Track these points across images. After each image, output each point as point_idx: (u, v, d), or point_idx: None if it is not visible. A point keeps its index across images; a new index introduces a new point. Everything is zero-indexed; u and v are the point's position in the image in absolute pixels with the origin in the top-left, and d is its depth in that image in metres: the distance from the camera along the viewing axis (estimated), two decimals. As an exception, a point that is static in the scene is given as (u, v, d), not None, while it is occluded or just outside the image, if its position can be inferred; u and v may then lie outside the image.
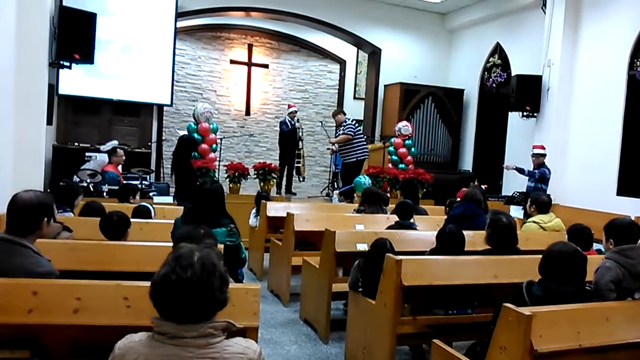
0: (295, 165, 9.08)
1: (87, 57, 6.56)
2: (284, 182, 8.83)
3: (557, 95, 8.06)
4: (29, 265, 2.36)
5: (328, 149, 9.01)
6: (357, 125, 8.71)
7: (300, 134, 9.09)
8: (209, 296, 1.54)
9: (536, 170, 7.08)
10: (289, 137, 8.83)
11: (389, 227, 4.64)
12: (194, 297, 1.52)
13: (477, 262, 3.43)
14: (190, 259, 1.55)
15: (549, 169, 7.12)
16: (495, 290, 3.37)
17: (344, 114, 8.84)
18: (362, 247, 4.09)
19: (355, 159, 8.41)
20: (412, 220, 4.75)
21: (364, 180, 7.48)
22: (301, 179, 9.40)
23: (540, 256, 2.70)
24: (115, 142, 7.34)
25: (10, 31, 4.99)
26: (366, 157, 8.60)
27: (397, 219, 4.74)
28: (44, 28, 5.78)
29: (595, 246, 4.38)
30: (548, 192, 6.76)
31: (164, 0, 8.85)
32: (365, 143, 8.70)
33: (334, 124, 9.15)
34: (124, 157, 6.85)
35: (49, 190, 5.48)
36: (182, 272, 1.52)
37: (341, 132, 8.59)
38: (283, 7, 9.66)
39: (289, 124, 8.82)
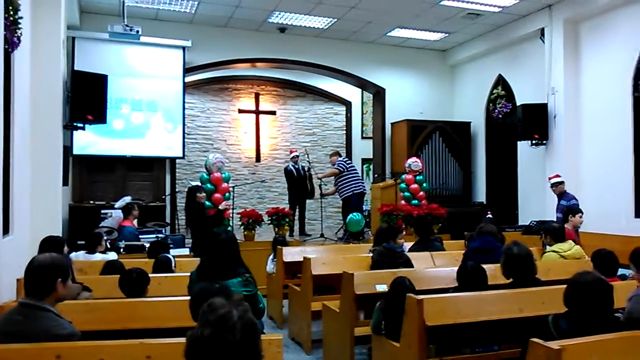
0: (323, 194, 9.03)
1: (100, 117, 6.73)
2: (296, 225, 8.83)
3: (564, 121, 8.08)
4: (51, 328, 2.37)
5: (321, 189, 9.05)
6: (348, 160, 8.96)
7: (308, 170, 9.13)
8: (254, 357, 1.54)
9: (571, 202, 6.78)
10: (299, 182, 8.92)
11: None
12: (239, 358, 1.51)
13: (500, 296, 3.36)
14: (232, 319, 1.53)
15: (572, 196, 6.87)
16: (520, 324, 3.29)
17: (340, 155, 9.20)
18: (382, 287, 4.02)
19: (351, 193, 8.54)
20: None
21: (355, 217, 7.45)
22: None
23: (564, 286, 2.65)
24: (128, 199, 7.42)
25: (25, 97, 5.17)
26: (362, 190, 8.69)
27: (414, 253, 4.74)
28: (58, 93, 5.98)
29: (620, 271, 4.28)
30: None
31: (172, 58, 9.15)
32: (359, 177, 8.87)
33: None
34: (138, 212, 6.92)
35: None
36: (230, 335, 1.50)
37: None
38: (287, 56, 9.95)
39: (293, 170, 8.92)
